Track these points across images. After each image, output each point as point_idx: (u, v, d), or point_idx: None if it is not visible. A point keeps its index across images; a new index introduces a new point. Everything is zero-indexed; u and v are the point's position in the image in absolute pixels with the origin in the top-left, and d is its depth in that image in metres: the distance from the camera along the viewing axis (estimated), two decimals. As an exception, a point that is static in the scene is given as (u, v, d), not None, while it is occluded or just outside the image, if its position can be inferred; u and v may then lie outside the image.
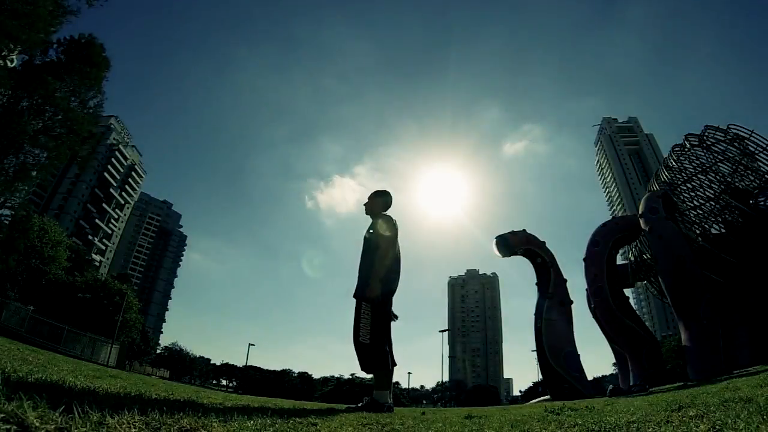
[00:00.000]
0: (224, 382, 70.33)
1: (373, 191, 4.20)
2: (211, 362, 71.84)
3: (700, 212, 15.82)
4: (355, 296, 3.66)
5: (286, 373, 69.97)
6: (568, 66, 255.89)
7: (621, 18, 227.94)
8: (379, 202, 4.11)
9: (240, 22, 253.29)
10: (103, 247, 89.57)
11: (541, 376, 18.37)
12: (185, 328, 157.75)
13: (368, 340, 3.46)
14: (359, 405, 3.37)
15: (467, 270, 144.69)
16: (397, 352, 3.65)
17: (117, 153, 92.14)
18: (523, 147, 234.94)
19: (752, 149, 14.94)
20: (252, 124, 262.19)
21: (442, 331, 52.21)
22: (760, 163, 15.11)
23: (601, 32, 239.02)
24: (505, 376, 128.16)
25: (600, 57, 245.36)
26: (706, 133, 15.81)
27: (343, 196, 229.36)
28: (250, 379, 61.97)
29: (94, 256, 78.24)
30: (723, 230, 15.50)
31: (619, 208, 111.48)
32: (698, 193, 15.91)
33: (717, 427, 1.41)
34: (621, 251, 19.28)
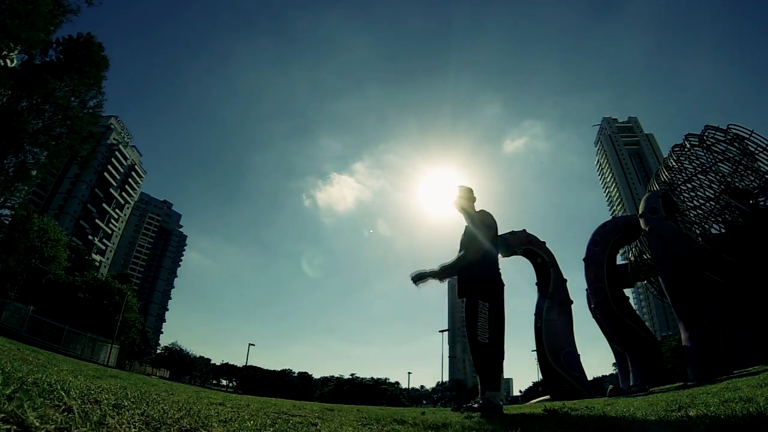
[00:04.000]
0: (224, 382, 70.39)
1: (460, 186, 4.11)
2: (211, 362, 71.88)
3: (700, 212, 15.81)
4: (466, 295, 3.48)
5: (286, 373, 70.05)
6: (569, 61, 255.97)
7: (622, 13, 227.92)
8: (471, 197, 4.03)
9: (237, 16, 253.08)
10: (103, 247, 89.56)
11: (541, 376, 18.38)
12: (185, 328, 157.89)
13: (487, 339, 3.27)
14: (472, 405, 3.24)
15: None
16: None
17: (117, 153, 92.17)
18: (523, 144, 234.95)
19: (752, 149, 14.94)
20: (250, 121, 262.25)
21: (442, 331, 52.25)
22: (760, 163, 15.10)
23: (602, 27, 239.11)
24: (505, 376, 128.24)
25: (601, 53, 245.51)
26: (706, 133, 15.81)
27: (341, 195, 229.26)
28: (250, 379, 61.99)
29: (94, 256, 78.22)
30: (723, 230, 15.50)
31: (619, 208, 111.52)
32: (698, 193, 15.90)
33: (717, 427, 1.41)
34: (621, 251, 19.26)
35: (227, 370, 70.25)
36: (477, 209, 3.97)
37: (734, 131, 15.08)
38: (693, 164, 16.20)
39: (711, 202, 15.47)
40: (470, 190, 4.05)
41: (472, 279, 3.47)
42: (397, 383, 67.48)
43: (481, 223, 3.74)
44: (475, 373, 3.36)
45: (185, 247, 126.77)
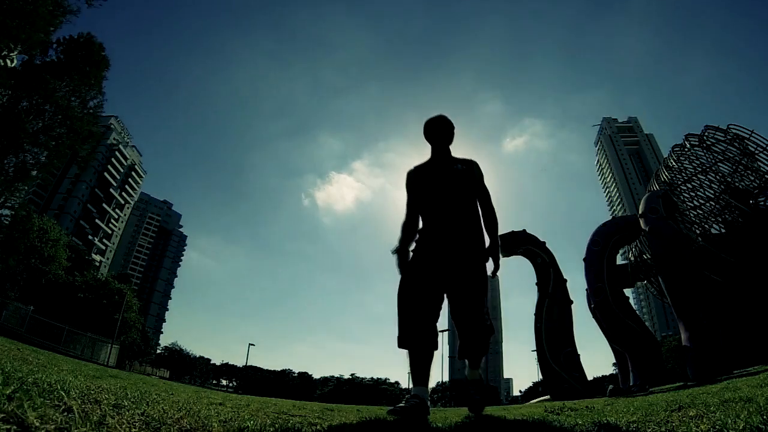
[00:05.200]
0: (224, 382, 70.39)
1: (438, 116, 2.84)
2: (211, 362, 71.83)
3: (700, 212, 15.81)
4: (471, 262, 2.52)
5: (286, 373, 70.07)
6: (569, 60, 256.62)
7: (623, 12, 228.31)
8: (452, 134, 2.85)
9: (236, 15, 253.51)
10: (103, 247, 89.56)
11: (541, 376, 18.39)
12: (185, 328, 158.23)
13: (489, 322, 2.59)
14: (475, 397, 2.70)
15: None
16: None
17: (117, 153, 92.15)
18: (523, 142, 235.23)
19: (752, 149, 14.94)
20: (250, 120, 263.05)
21: (442, 331, 52.27)
22: (760, 163, 15.10)
23: (602, 27, 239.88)
24: (505, 376, 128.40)
25: (601, 52, 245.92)
26: (706, 133, 15.81)
27: (341, 193, 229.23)
28: (250, 379, 62.03)
29: (94, 256, 78.20)
30: (723, 230, 15.50)
31: (619, 208, 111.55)
32: (698, 193, 15.90)
33: (717, 427, 1.40)
34: (621, 251, 19.27)
35: (227, 370, 70.27)
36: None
37: (734, 131, 15.08)
38: (693, 164, 16.20)
39: (711, 202, 15.46)
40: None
41: (479, 244, 2.59)
42: (397, 383, 67.43)
43: (480, 177, 2.80)
44: (462, 357, 2.74)
45: (185, 247, 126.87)
